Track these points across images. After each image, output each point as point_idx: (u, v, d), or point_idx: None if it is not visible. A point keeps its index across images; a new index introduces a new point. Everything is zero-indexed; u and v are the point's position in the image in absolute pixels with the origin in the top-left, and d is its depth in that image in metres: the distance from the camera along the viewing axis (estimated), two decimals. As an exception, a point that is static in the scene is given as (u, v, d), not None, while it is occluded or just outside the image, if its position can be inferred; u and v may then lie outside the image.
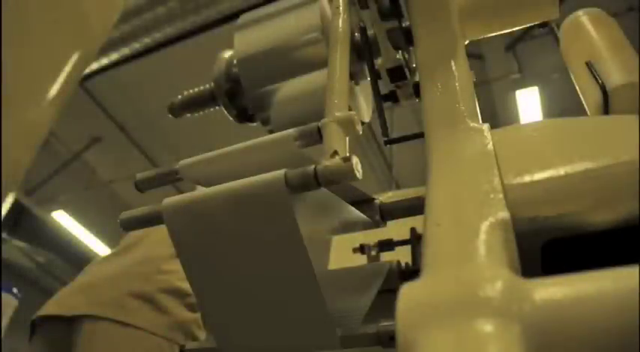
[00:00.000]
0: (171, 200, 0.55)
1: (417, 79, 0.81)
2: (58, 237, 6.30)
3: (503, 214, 0.45)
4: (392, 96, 0.86)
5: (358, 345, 0.51)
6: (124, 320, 1.15)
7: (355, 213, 0.71)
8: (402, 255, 0.95)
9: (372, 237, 1.07)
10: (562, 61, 1.26)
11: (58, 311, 1.20)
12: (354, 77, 0.80)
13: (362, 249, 1.13)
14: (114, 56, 4.10)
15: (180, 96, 0.88)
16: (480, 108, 0.65)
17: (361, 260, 1.13)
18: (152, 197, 0.64)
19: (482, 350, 0.31)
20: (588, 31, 1.18)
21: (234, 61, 0.80)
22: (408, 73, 0.82)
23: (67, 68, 0.65)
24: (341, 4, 0.72)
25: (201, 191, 0.54)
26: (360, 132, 0.57)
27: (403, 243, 1.10)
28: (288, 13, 0.79)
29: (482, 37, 0.84)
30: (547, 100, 4.16)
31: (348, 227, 0.78)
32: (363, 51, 0.80)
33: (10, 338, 2.82)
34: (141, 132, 5.29)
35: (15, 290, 3.04)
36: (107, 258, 1.44)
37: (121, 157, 5.52)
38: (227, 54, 0.84)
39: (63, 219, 5.98)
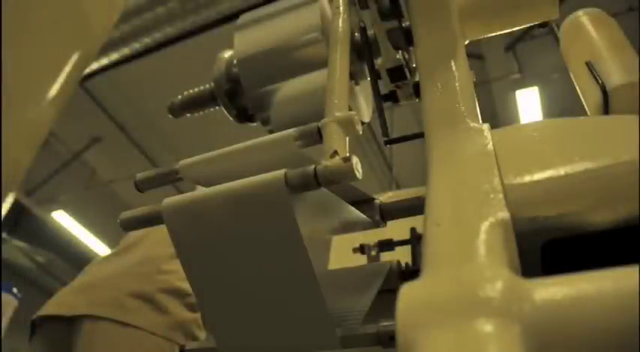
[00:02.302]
0: (171, 200, 0.55)
1: (417, 79, 0.81)
2: (58, 237, 6.30)
3: (503, 214, 0.44)
4: (392, 96, 0.86)
5: (358, 345, 0.51)
6: (124, 320, 1.15)
7: (355, 213, 0.71)
8: (402, 255, 0.95)
9: (372, 237, 1.07)
10: (562, 61, 1.26)
11: (58, 311, 1.20)
12: (354, 77, 0.80)
13: (362, 249, 1.13)
14: (114, 56, 4.10)
15: (180, 96, 0.88)
16: (480, 108, 0.65)
17: (361, 260, 1.13)
18: (152, 197, 0.64)
19: (482, 350, 0.31)
20: (588, 31, 1.18)
21: (234, 61, 0.80)
22: (408, 73, 0.82)
23: (67, 68, 0.65)
24: (341, 4, 0.72)
25: (201, 191, 0.54)
26: (360, 132, 0.56)
27: (403, 243, 1.10)
28: (288, 13, 0.79)
29: (482, 37, 0.84)
30: (547, 100, 4.16)
31: (348, 227, 0.78)
32: (363, 51, 0.79)
33: (10, 338, 2.82)
34: (141, 132, 5.29)
35: (15, 290, 3.04)
36: (107, 258, 1.44)
37: (121, 157, 5.52)
38: (227, 54, 0.84)
39: (63, 219, 5.98)
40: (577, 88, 1.18)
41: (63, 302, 1.23)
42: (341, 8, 0.71)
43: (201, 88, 0.86)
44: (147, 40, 3.94)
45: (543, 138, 0.55)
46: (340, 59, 0.64)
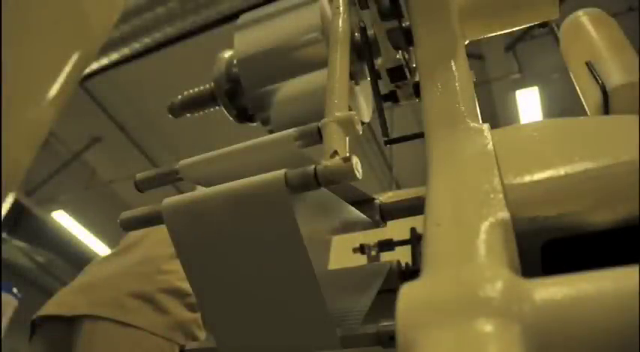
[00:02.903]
0: (171, 200, 0.55)
1: (417, 79, 0.81)
2: (58, 237, 6.30)
3: (503, 214, 0.44)
4: (392, 96, 0.86)
5: (358, 345, 0.51)
6: (124, 320, 1.15)
7: (355, 213, 0.71)
8: (402, 255, 0.95)
9: (372, 237, 1.07)
10: (562, 61, 1.26)
11: (58, 311, 1.20)
12: (354, 77, 0.80)
13: (362, 249, 1.13)
14: (114, 56, 4.10)
15: (180, 96, 0.88)
16: (480, 108, 0.65)
17: (361, 260, 1.13)
18: (152, 197, 0.64)
19: (482, 350, 0.31)
20: (588, 31, 1.18)
21: (234, 61, 0.80)
22: (408, 73, 0.82)
23: (67, 68, 0.65)
24: (341, 4, 0.72)
25: (201, 191, 0.54)
26: (360, 132, 0.56)
27: (403, 243, 1.10)
28: (288, 13, 0.79)
29: (482, 37, 0.84)
30: (547, 100, 4.16)
31: (348, 227, 0.78)
32: (363, 51, 0.79)
33: (10, 338, 2.83)
34: (141, 132, 5.28)
35: (15, 290, 3.04)
36: (107, 258, 1.44)
37: (121, 157, 5.52)
38: (227, 54, 0.84)
39: (63, 219, 5.98)
40: (577, 88, 1.18)
41: (63, 302, 1.23)
42: (341, 8, 0.71)
43: (201, 87, 0.86)
44: (147, 40, 3.93)
45: (543, 138, 0.55)
46: (340, 59, 0.64)
